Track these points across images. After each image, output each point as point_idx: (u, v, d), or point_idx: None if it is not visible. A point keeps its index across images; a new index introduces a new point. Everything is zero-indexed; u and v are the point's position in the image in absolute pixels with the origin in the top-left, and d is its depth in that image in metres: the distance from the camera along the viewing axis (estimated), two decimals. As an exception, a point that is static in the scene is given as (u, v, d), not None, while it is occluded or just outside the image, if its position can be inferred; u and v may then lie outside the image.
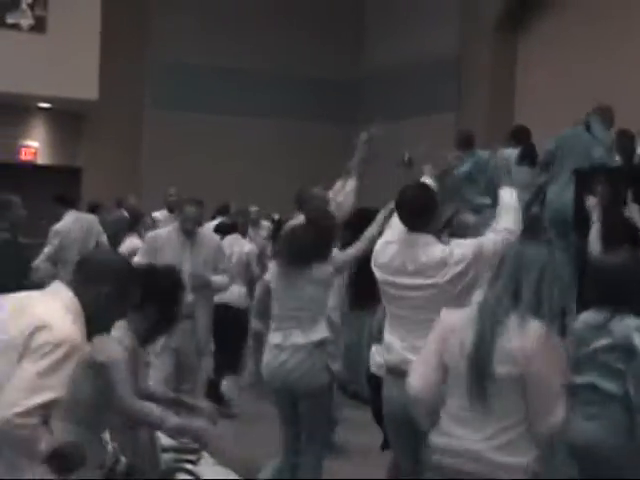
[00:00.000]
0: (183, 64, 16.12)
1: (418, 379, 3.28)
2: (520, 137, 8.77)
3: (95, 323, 2.96)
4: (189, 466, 4.15)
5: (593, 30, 11.90)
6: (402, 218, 4.15)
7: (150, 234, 7.08)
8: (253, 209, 11.14)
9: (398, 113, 15.64)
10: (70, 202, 9.82)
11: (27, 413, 2.68)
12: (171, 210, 10.15)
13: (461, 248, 4.02)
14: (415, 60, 15.29)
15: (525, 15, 13.43)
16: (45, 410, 2.73)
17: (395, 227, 4.29)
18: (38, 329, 2.76)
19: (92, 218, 9.97)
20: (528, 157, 8.30)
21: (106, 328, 3.13)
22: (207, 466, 4.30)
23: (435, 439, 3.21)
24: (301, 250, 4.92)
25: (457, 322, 3.24)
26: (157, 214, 10.76)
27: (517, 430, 3.04)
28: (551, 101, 11.99)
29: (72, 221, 9.28)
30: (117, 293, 3.00)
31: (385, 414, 4.30)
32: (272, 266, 5.31)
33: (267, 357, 5.06)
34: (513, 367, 3.04)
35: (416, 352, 3.74)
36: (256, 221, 11.07)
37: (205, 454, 4.39)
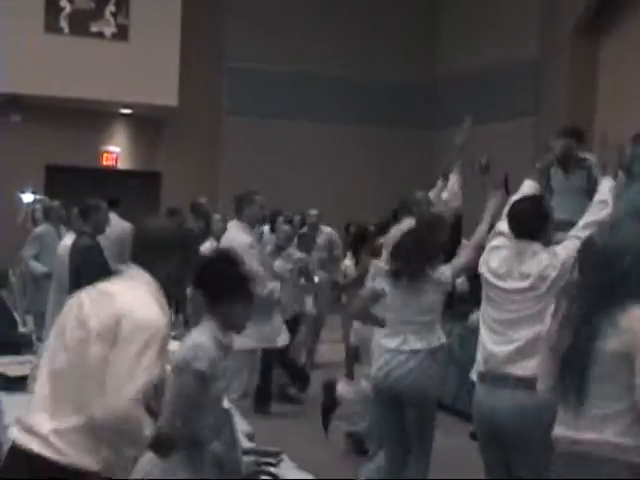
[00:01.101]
0: (260, 70, 16.27)
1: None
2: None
3: (173, 292, 3.11)
4: (270, 469, 4.18)
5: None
6: (514, 229, 4.23)
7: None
8: (313, 212, 11.01)
9: (476, 117, 15.50)
10: (113, 204, 9.51)
11: (130, 400, 2.76)
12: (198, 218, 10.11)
13: (559, 255, 4.11)
14: (493, 63, 15.15)
15: (606, 17, 13.21)
16: (142, 394, 2.80)
17: (503, 233, 4.35)
18: (121, 318, 2.84)
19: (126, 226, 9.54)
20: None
21: (182, 293, 3.30)
22: (287, 469, 4.32)
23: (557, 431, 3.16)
24: (418, 254, 4.93)
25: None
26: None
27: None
28: (634, 103, 11.76)
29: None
30: (183, 258, 3.11)
31: (478, 423, 4.29)
32: (382, 270, 5.32)
33: (380, 361, 5.06)
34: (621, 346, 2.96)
35: (512, 359, 4.02)
36: (315, 225, 10.87)
37: (285, 457, 4.42)
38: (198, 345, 3.62)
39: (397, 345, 4.95)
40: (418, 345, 4.91)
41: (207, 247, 8.72)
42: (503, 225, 4.39)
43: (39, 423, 2.83)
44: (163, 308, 2.97)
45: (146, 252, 3.06)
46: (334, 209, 13.09)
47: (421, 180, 16.95)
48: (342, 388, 6.56)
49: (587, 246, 3.15)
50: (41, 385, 2.91)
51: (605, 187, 4.22)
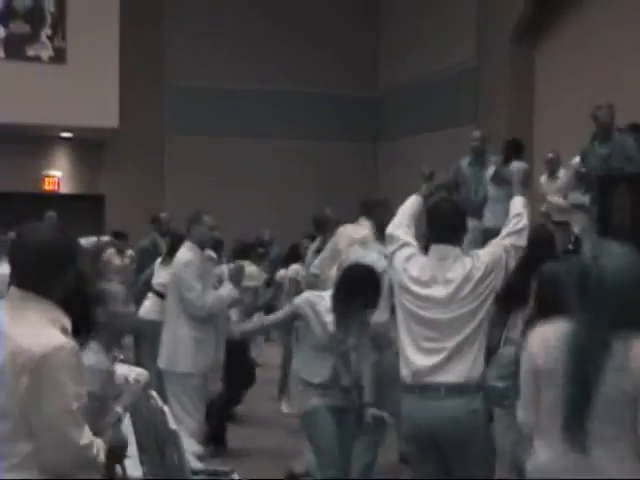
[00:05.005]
0: (201, 88, 16.25)
1: (528, 417, 3.09)
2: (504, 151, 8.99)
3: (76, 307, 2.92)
4: (220, 488, 4.14)
5: (608, 38, 11.85)
6: (436, 231, 4.23)
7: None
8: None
9: (418, 128, 15.66)
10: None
11: (79, 443, 2.71)
12: (171, 236, 9.89)
13: (482, 258, 4.15)
14: (432, 74, 15.32)
15: (541, 23, 13.39)
16: (82, 425, 2.74)
17: (408, 243, 4.32)
18: (19, 356, 2.67)
19: None
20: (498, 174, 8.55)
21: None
22: (238, 488, 4.28)
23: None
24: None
25: (546, 344, 3.03)
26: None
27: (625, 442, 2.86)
28: (570, 111, 11.95)
29: None
30: (75, 268, 2.87)
31: (411, 435, 4.25)
32: None
33: None
34: (627, 385, 2.83)
35: (441, 367, 3.98)
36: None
37: (236, 476, 4.37)
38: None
39: None
40: None
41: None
42: (403, 236, 4.35)
43: None
44: (64, 329, 2.74)
45: (33, 272, 2.73)
46: (281, 224, 13.09)
47: (367, 192, 17.11)
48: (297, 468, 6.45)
49: (584, 273, 2.96)
50: None
51: (518, 202, 4.38)
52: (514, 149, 8.90)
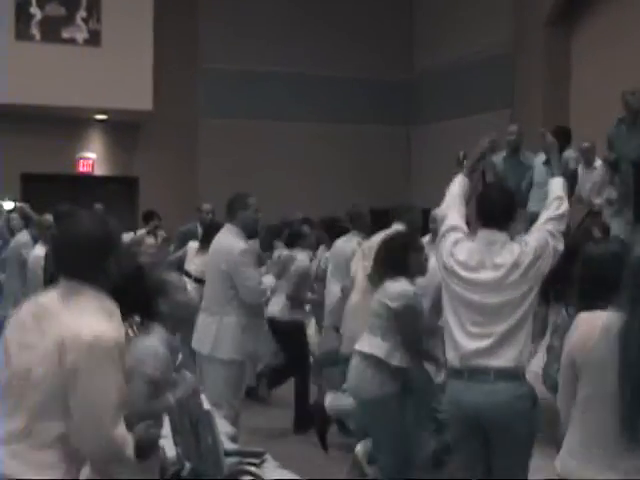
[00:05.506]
0: (234, 72, 16.24)
1: (564, 409, 3.10)
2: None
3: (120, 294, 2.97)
4: (252, 468, 4.15)
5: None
6: (484, 216, 4.24)
7: None
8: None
9: (452, 112, 15.56)
10: None
11: (115, 433, 2.74)
12: (206, 231, 9.20)
13: (530, 243, 4.15)
14: (467, 58, 15.19)
15: (577, 7, 13.24)
16: (121, 419, 2.78)
17: (457, 228, 4.32)
18: (67, 341, 2.74)
19: None
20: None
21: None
22: (271, 469, 4.29)
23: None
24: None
25: (587, 337, 2.99)
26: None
27: None
28: (607, 98, 11.80)
29: None
30: (116, 256, 2.93)
31: (456, 418, 4.26)
32: None
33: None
34: None
35: (491, 351, 4.01)
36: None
37: (269, 457, 4.39)
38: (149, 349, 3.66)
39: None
40: (366, 349, 5.16)
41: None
42: (453, 220, 4.36)
43: None
44: (112, 316, 2.80)
45: (78, 261, 2.80)
46: (313, 208, 13.06)
47: (399, 176, 17.06)
48: (330, 403, 6.51)
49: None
50: None
51: (558, 184, 4.33)
52: (563, 136, 8.80)
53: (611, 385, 2.84)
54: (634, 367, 2.80)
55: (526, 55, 14.00)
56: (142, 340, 3.73)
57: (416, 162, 17.15)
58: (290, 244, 8.51)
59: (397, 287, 5.09)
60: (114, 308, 2.84)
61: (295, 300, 8.02)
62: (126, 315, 3.72)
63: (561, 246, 4.16)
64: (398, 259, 5.14)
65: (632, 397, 2.79)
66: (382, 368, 5.07)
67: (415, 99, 17.16)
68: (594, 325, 2.95)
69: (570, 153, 8.93)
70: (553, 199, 4.29)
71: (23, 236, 8.76)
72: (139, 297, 3.70)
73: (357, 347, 5.25)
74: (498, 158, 8.88)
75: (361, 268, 6.34)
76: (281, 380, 8.20)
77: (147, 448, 3.04)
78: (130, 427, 2.95)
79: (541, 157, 8.60)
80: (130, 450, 2.81)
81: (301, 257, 8.22)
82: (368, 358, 5.12)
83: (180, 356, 4.17)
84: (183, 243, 10.04)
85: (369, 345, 5.14)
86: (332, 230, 8.49)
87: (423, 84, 16.95)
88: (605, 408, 2.86)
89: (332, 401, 6.57)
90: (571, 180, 8.21)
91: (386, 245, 5.36)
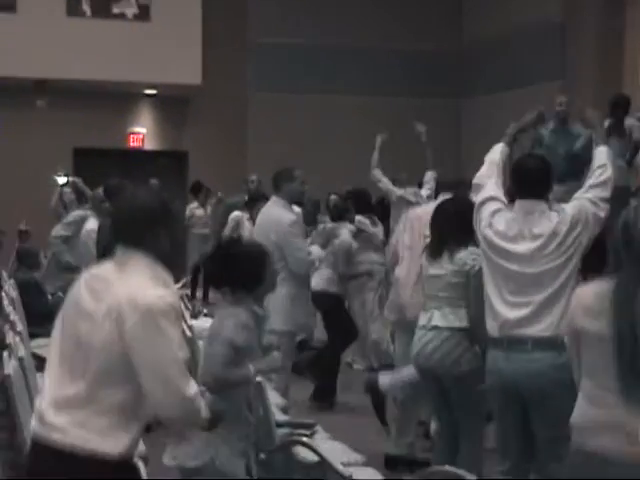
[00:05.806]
0: (285, 45, 16.18)
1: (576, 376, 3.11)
2: (612, 109, 8.74)
3: (172, 264, 3.01)
4: (304, 439, 4.19)
5: None
6: (521, 186, 4.21)
7: None
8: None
9: (503, 83, 15.37)
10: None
11: (189, 394, 2.78)
12: (251, 197, 9.57)
13: (568, 211, 4.12)
14: (518, 28, 14.95)
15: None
16: (188, 377, 2.83)
17: (495, 198, 4.26)
18: (125, 307, 2.83)
19: None
20: (616, 130, 8.32)
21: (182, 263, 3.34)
22: (322, 440, 4.33)
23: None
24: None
25: (589, 300, 2.98)
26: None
27: None
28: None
29: None
30: (172, 227, 3.01)
31: (496, 387, 4.24)
32: None
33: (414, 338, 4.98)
34: None
35: (529, 321, 4.02)
36: None
37: (319, 428, 4.43)
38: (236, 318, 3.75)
39: (425, 322, 4.87)
40: (441, 323, 4.79)
41: None
42: (491, 189, 4.30)
43: (52, 413, 2.78)
44: (166, 284, 2.88)
45: (134, 231, 2.90)
46: (362, 183, 13.02)
47: (449, 148, 16.90)
48: (383, 381, 6.49)
49: (626, 225, 2.91)
50: (51, 374, 2.87)
51: (602, 153, 4.26)
52: (623, 104, 8.74)
53: (608, 354, 2.84)
54: (626, 339, 2.79)
55: (577, 26, 13.74)
56: (228, 308, 3.84)
57: (465, 134, 16.98)
58: (336, 218, 8.55)
59: (473, 251, 4.71)
60: (168, 278, 2.91)
61: (342, 275, 8.06)
62: (219, 285, 3.88)
63: (602, 213, 4.10)
64: (470, 220, 4.79)
65: (624, 369, 2.79)
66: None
67: (465, 71, 16.97)
68: (590, 292, 2.97)
69: (633, 122, 8.83)
70: (596, 167, 4.23)
71: (90, 224, 8.51)
72: (236, 267, 3.79)
73: (439, 324, 4.82)
74: (546, 130, 8.78)
75: (407, 238, 6.11)
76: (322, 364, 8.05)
77: (212, 420, 3.05)
78: (210, 391, 3.06)
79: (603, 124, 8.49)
80: (204, 413, 2.86)
81: (344, 231, 8.27)
82: (461, 331, 4.77)
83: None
84: (228, 216, 10.19)
85: (459, 319, 4.76)
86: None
87: (473, 56, 16.75)
88: (607, 375, 2.86)
89: (387, 379, 6.53)
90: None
91: (456, 206, 4.95)
